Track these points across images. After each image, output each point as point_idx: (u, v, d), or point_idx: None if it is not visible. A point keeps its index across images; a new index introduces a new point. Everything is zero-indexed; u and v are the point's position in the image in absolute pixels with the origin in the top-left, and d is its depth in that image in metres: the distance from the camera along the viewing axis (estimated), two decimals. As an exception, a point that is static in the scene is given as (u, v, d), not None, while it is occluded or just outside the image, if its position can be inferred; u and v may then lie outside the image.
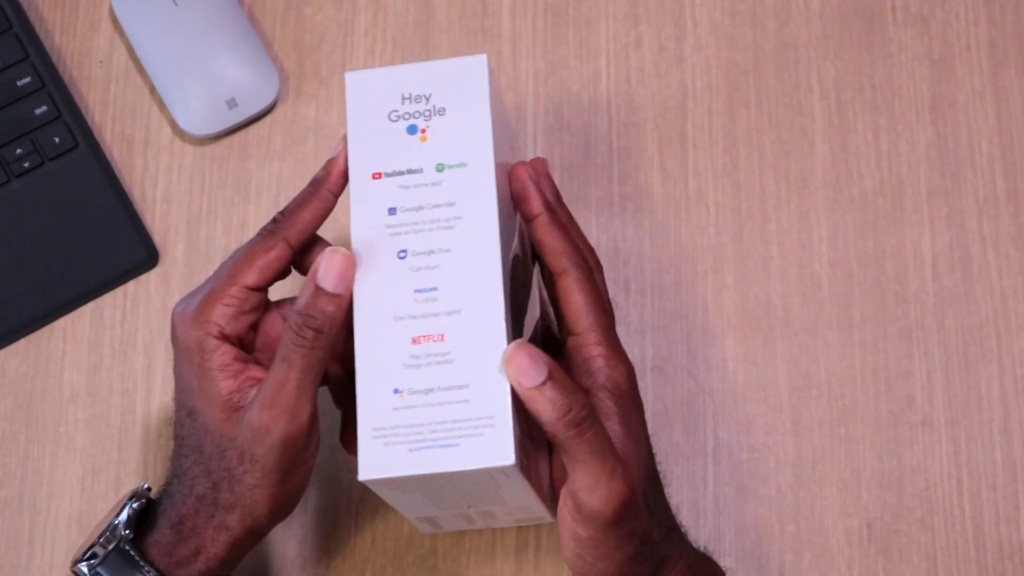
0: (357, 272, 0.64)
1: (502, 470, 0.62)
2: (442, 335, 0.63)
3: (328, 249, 0.64)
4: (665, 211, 0.81)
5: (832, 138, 0.82)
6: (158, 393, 0.79)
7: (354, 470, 0.76)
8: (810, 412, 0.78)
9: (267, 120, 0.83)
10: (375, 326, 0.64)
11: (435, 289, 0.64)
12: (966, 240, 0.80)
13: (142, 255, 0.80)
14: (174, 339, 0.66)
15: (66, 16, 0.85)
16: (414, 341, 0.64)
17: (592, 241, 0.80)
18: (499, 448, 0.62)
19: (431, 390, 0.63)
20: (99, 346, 0.79)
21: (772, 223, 0.81)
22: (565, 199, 0.81)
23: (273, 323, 0.67)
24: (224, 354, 0.64)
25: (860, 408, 0.78)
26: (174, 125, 0.83)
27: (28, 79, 0.82)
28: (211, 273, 0.76)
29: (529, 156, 0.81)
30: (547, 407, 0.60)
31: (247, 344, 0.66)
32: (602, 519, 0.62)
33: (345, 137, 0.66)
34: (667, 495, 0.69)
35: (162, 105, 0.83)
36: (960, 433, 0.77)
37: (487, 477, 0.64)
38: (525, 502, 0.69)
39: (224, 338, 0.65)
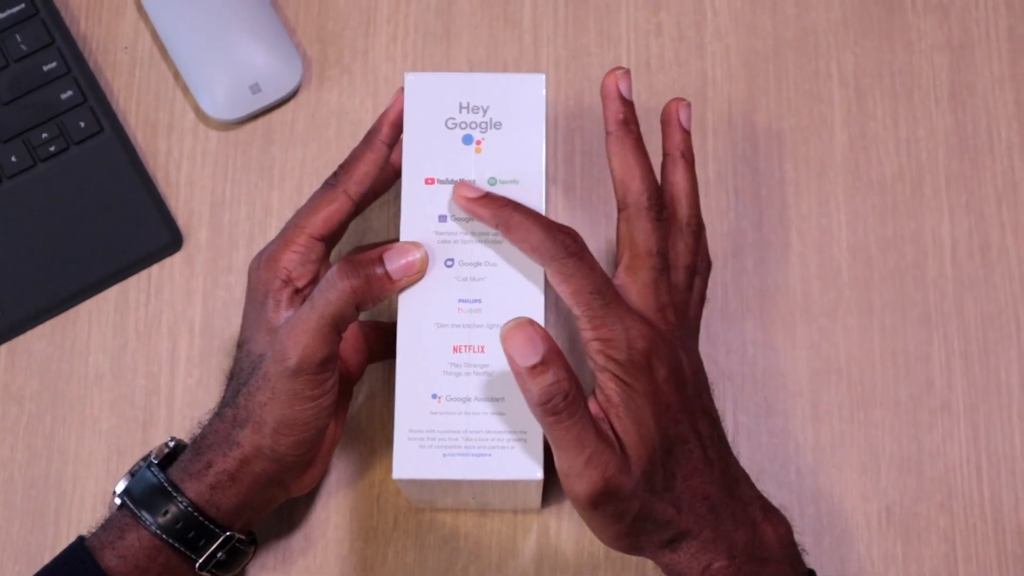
0: None
1: (528, 481, 0.66)
2: (483, 347, 0.66)
3: (412, 241, 0.66)
4: (685, 197, 0.81)
5: (851, 125, 0.82)
6: (182, 375, 0.79)
7: (376, 454, 0.77)
8: (829, 397, 0.78)
9: (290, 105, 0.83)
10: (418, 329, 0.66)
11: (479, 301, 0.66)
12: (985, 226, 0.81)
13: (166, 239, 0.81)
14: (248, 286, 0.71)
15: (91, 2, 0.85)
16: (455, 349, 0.66)
17: (612, 229, 0.80)
18: (529, 462, 0.65)
19: (468, 399, 0.65)
20: (124, 328, 0.80)
21: (791, 209, 0.81)
22: (585, 185, 0.82)
23: None
24: (284, 293, 0.69)
25: (879, 393, 0.78)
26: (198, 110, 0.83)
27: (54, 64, 0.82)
28: (234, 257, 0.81)
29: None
30: (532, 390, 0.61)
31: (305, 296, 0.70)
32: (579, 502, 0.63)
33: (401, 89, 0.68)
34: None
35: (186, 90, 0.83)
36: (979, 418, 0.78)
37: (511, 484, 0.67)
38: (531, 500, 0.73)
39: (289, 281, 0.69)
